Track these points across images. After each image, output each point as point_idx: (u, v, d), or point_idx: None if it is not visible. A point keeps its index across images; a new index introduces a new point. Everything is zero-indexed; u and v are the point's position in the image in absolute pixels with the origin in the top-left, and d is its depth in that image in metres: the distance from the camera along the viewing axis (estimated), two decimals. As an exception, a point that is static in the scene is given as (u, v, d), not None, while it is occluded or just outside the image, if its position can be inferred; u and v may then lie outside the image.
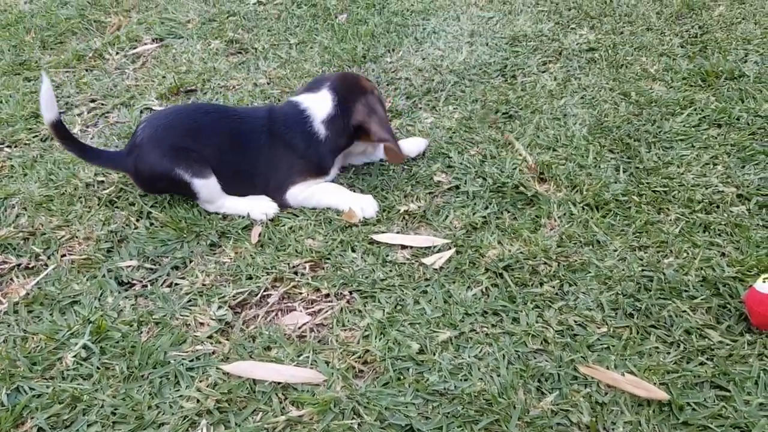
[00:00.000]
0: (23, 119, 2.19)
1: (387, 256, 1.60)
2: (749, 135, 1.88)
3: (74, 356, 1.39)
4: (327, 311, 1.48)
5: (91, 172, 1.91)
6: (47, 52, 2.62)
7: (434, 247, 1.61)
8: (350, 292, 1.52)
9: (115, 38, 2.68)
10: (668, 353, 1.32)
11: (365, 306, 1.48)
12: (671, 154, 1.84)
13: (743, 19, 2.51)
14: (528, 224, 1.66)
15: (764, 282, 1.32)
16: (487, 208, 1.72)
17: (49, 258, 1.66)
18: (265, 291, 1.55)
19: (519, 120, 2.04)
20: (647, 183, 1.74)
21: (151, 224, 1.74)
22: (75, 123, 2.16)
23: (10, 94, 2.33)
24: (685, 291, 1.44)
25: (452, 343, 1.37)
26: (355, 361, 1.35)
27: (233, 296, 1.53)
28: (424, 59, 2.43)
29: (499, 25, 2.62)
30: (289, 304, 1.51)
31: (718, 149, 1.84)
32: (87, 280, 1.58)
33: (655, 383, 1.25)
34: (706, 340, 1.34)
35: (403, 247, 1.63)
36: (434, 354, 1.35)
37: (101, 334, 1.43)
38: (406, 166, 1.88)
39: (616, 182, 1.76)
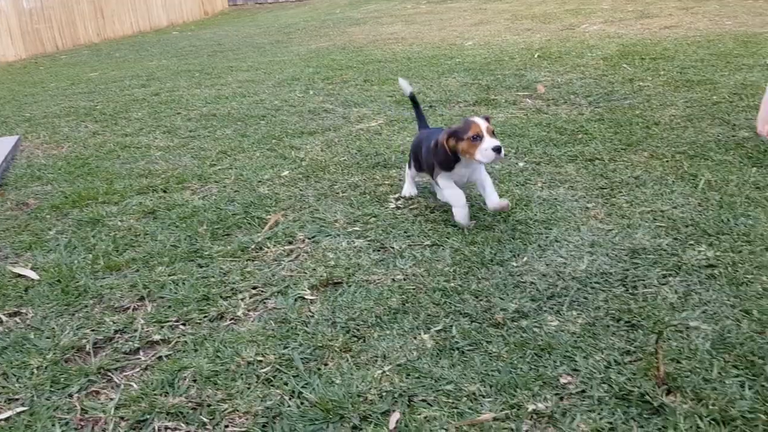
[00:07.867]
0: (195, 301, 2.55)
1: (517, 453, 1.71)
2: None
3: None
4: (461, 502, 1.59)
5: (252, 351, 2.19)
6: (216, 243, 3.06)
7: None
8: (482, 486, 1.63)
9: (273, 233, 3.10)
10: None
11: (497, 501, 1.57)
12: (799, 375, 1.88)
13: None
14: (655, 434, 1.73)
15: None
16: (613, 414, 1.81)
17: (213, 428, 1.89)
18: (402, 476, 1.68)
19: (642, 329, 2.16)
20: (775, 402, 1.79)
21: (302, 403, 1.95)
22: (239, 306, 2.49)
23: (185, 278, 2.73)
24: None
25: None
26: None
27: (374, 479, 1.67)
28: (547, 265, 2.64)
29: (618, 237, 2.83)
30: (425, 492, 1.64)
31: None
32: (246, 451, 1.79)
33: None
34: None
35: (533, 445, 1.73)
36: None
37: (258, 503, 1.61)
38: (533, 366, 2.02)
39: (742, 398, 1.81)
